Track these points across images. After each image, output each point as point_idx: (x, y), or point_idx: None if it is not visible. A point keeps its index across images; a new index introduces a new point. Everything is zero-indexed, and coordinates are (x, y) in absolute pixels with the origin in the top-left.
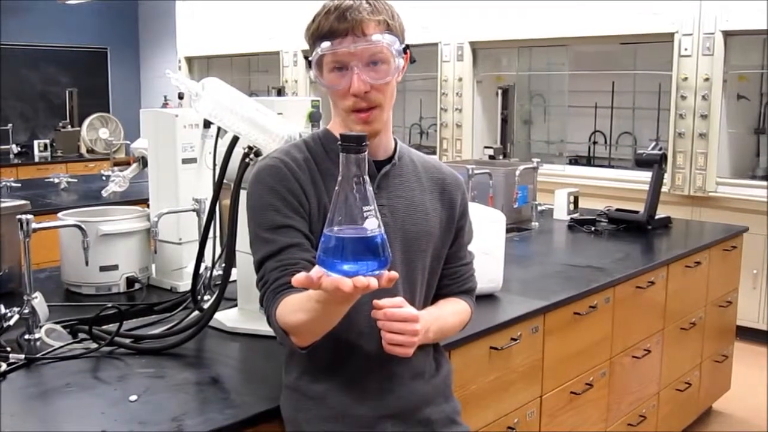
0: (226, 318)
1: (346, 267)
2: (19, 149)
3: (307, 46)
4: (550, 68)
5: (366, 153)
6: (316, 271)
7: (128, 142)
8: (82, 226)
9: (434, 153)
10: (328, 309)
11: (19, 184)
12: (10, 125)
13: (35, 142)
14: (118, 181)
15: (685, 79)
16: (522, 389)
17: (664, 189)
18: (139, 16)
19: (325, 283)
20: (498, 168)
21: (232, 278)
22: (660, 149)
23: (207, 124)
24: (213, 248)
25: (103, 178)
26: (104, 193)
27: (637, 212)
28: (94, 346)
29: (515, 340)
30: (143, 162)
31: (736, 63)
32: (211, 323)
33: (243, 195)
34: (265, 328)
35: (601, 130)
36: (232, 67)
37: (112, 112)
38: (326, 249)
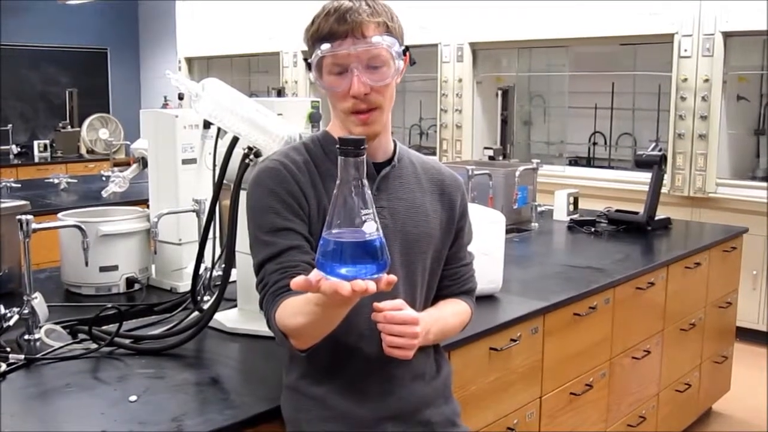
0: (225, 318)
1: (344, 270)
2: (19, 150)
3: (306, 48)
4: (550, 69)
5: (364, 157)
6: (315, 274)
7: (128, 142)
8: (82, 226)
9: (434, 154)
10: (327, 312)
11: (19, 185)
12: (10, 125)
13: (35, 143)
14: (118, 182)
15: (685, 80)
16: (522, 390)
17: (663, 190)
18: (139, 17)
19: (323, 286)
20: (498, 169)
21: (231, 279)
22: (660, 150)
23: (207, 124)
24: (213, 249)
25: (103, 178)
26: (104, 194)
27: (636, 213)
28: (94, 346)
29: (515, 340)
30: (143, 162)
31: (736, 64)
32: (211, 324)
33: (243, 195)
34: (264, 329)
35: (601, 131)
36: (232, 68)
37: (112, 113)
38: (325, 252)
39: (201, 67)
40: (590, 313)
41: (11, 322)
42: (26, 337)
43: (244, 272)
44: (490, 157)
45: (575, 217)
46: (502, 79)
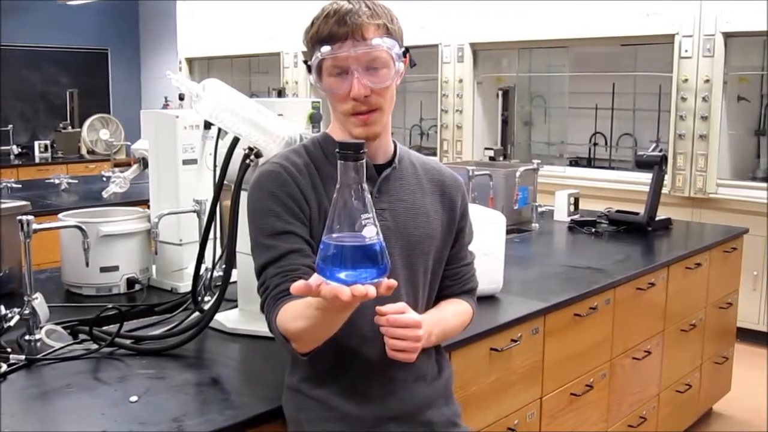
0: (226, 319)
1: (344, 275)
2: (20, 150)
3: (306, 49)
4: (551, 69)
5: (364, 160)
6: (315, 279)
7: (129, 143)
8: (83, 227)
9: (435, 154)
10: (327, 316)
11: (20, 185)
12: (10, 126)
13: (36, 143)
14: (118, 182)
15: (686, 80)
16: (522, 390)
17: (664, 190)
18: (140, 17)
19: (323, 291)
20: (498, 169)
21: (232, 279)
22: (660, 151)
23: (207, 125)
24: (213, 249)
25: (104, 179)
26: (105, 194)
27: (637, 214)
28: (95, 347)
29: (515, 341)
30: (144, 163)
31: (737, 64)
32: (212, 324)
33: (243, 196)
34: (265, 329)
35: (602, 132)
36: (233, 69)
37: (113, 113)
38: (325, 257)
39: (201, 67)
40: (591, 314)
41: (12, 323)
42: (27, 337)
43: (244, 273)
44: (491, 158)
45: (576, 217)
46: (502, 79)
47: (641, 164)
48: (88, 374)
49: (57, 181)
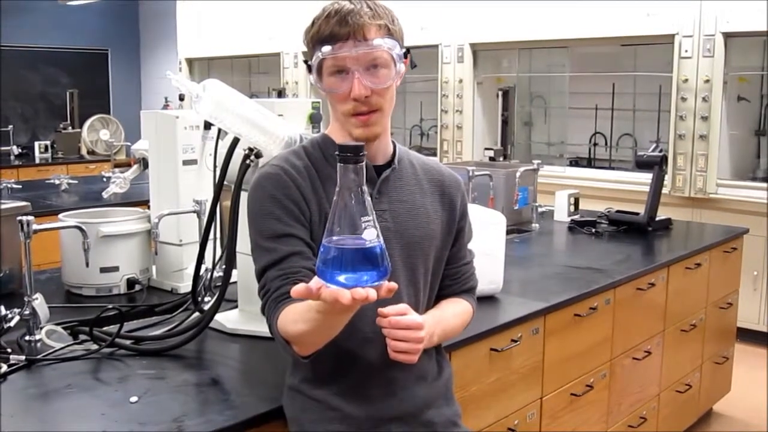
0: (226, 319)
1: (344, 278)
2: (20, 150)
3: (306, 49)
4: (551, 70)
5: (364, 163)
6: (315, 282)
7: (129, 143)
8: (83, 227)
9: (435, 154)
10: (328, 319)
11: (20, 186)
12: (10, 126)
13: (36, 144)
14: (118, 183)
15: (686, 80)
16: (522, 391)
17: (664, 191)
18: (140, 18)
19: (324, 294)
20: (498, 169)
21: (232, 280)
22: (660, 151)
23: (207, 125)
24: (213, 250)
25: (104, 179)
26: (105, 195)
27: (637, 214)
28: (95, 347)
29: (515, 341)
30: (144, 163)
31: (737, 64)
32: (212, 325)
33: (243, 196)
34: (265, 330)
35: (602, 132)
36: (233, 69)
37: (113, 114)
38: (325, 260)
39: (202, 68)
40: (591, 314)
41: (12, 323)
42: (27, 338)
43: (244, 273)
44: (491, 158)
45: (576, 217)
46: (502, 79)
47: (641, 164)
48: (88, 375)
49: (57, 182)
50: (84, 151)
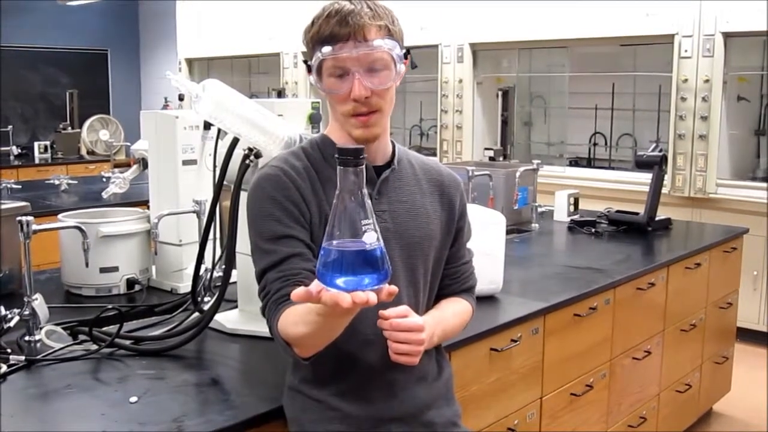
0: (226, 319)
1: (345, 281)
2: (20, 151)
3: (305, 49)
4: (551, 70)
5: (363, 166)
6: (315, 285)
7: (128, 143)
8: (83, 227)
9: (434, 154)
10: (328, 322)
11: (20, 186)
12: (10, 127)
13: (35, 144)
14: (118, 183)
15: (685, 80)
16: (522, 391)
17: (664, 190)
18: (140, 18)
19: (324, 297)
20: (498, 169)
21: (232, 280)
22: (660, 151)
23: (207, 125)
24: (213, 250)
25: (104, 179)
26: (104, 195)
27: (637, 214)
28: (95, 347)
29: (515, 341)
30: (143, 163)
31: (736, 64)
32: (212, 325)
33: (243, 196)
34: (264, 330)
35: (602, 132)
36: (233, 69)
37: (113, 114)
38: (325, 263)
39: (201, 68)
40: (591, 314)
41: (12, 324)
42: (27, 338)
43: (244, 273)
44: (491, 158)
45: (576, 217)
46: (502, 79)
47: (641, 164)
48: (88, 375)
49: (57, 182)
50: (84, 152)
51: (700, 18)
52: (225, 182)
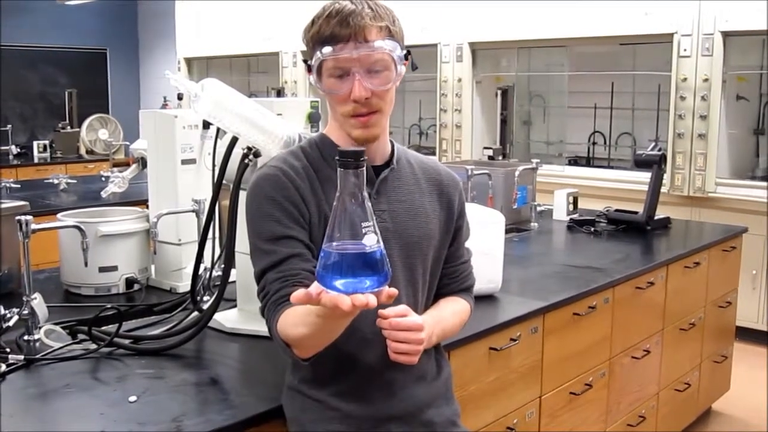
0: (225, 319)
1: (344, 283)
2: (19, 150)
3: (305, 48)
4: (550, 69)
5: (364, 168)
6: (315, 287)
7: (127, 143)
8: (82, 227)
9: (434, 154)
10: (328, 323)
11: (19, 185)
12: (9, 126)
13: (34, 143)
14: (117, 182)
15: (685, 79)
16: (521, 390)
17: (663, 189)
18: (139, 17)
19: (324, 299)
20: (497, 169)
21: (231, 279)
22: (659, 150)
23: (206, 124)
24: (212, 249)
25: (103, 179)
26: (104, 194)
27: (636, 213)
28: (94, 347)
29: (514, 340)
30: (142, 163)
31: (736, 63)
32: (211, 324)
33: (242, 196)
34: (264, 329)
35: (601, 131)
36: (232, 68)
37: (112, 113)
38: (325, 265)
39: (200, 67)
40: (590, 313)
41: (11, 323)
42: (26, 337)
43: (243, 272)
44: (490, 157)
45: (575, 216)
46: (501, 78)
47: (640, 163)
48: (87, 374)
49: (56, 181)
50: (83, 151)
51: (700, 17)
52: (224, 181)
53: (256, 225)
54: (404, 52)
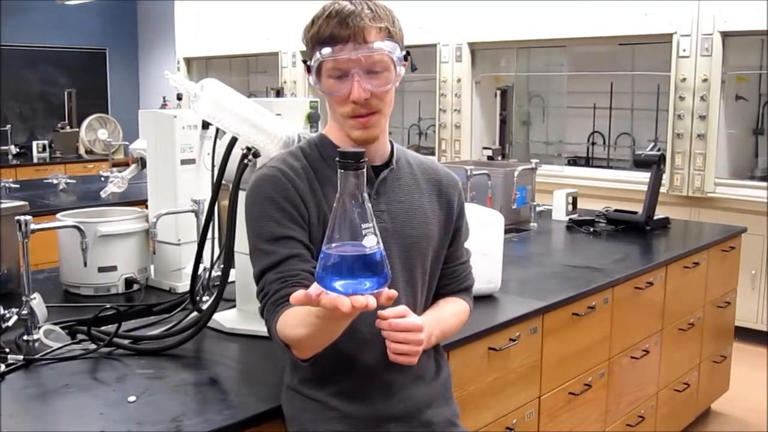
0: (224, 319)
1: (344, 284)
2: (18, 150)
3: (305, 48)
4: (549, 69)
5: (364, 169)
6: (315, 288)
7: (127, 143)
8: (81, 227)
9: (433, 154)
10: (327, 325)
11: (18, 185)
12: (8, 126)
13: (34, 143)
14: (116, 182)
15: (684, 79)
16: (521, 390)
17: (662, 190)
18: (138, 17)
19: (323, 301)
20: (497, 169)
21: (230, 279)
22: (658, 150)
23: (205, 125)
24: (212, 249)
25: (102, 178)
26: (103, 194)
27: (635, 213)
28: (93, 347)
29: (514, 340)
30: (142, 163)
31: (735, 64)
32: (210, 324)
33: (241, 196)
34: (263, 329)
35: (600, 131)
36: (231, 68)
37: (111, 113)
38: (325, 266)
39: (200, 67)
40: (589, 313)
41: (10, 323)
42: (25, 337)
43: (242, 272)
44: (489, 157)
45: (574, 216)
46: (500, 79)
47: (639, 163)
48: (86, 374)
49: (55, 181)
50: (82, 151)
51: (699, 17)
52: (223, 181)
53: (255, 225)
54: (404, 53)
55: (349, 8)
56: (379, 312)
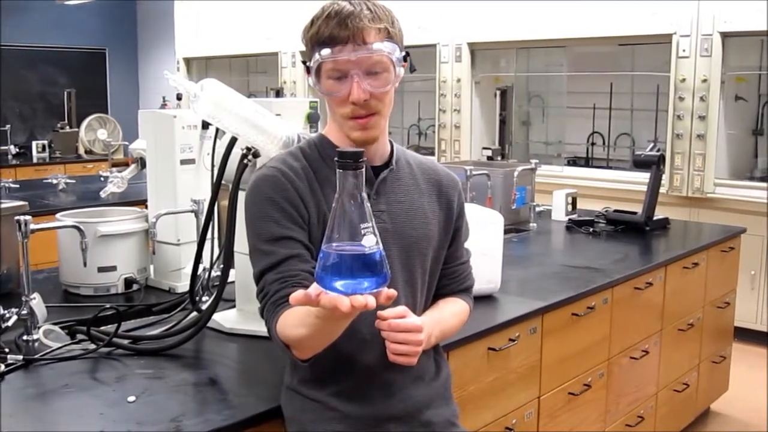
0: (224, 319)
1: (344, 284)
2: (18, 150)
3: (304, 48)
4: (549, 69)
5: (363, 169)
6: (314, 288)
7: (127, 143)
8: (81, 227)
9: (433, 154)
10: (327, 325)
11: (18, 185)
12: (8, 126)
13: (33, 143)
14: (116, 182)
15: (683, 80)
16: (520, 390)
17: (662, 190)
18: (138, 17)
19: (323, 300)
20: (496, 169)
21: (230, 279)
22: (658, 150)
23: (205, 125)
24: (211, 249)
25: (102, 179)
26: (102, 194)
27: (635, 213)
28: (93, 347)
29: (513, 340)
30: (141, 163)
31: (734, 64)
32: (210, 324)
33: (241, 196)
34: (263, 329)
35: (600, 131)
36: (231, 68)
37: (111, 113)
38: (324, 266)
39: (199, 67)
40: (588, 313)
41: (10, 323)
42: (25, 337)
43: (242, 272)
44: (489, 158)
45: (573, 217)
46: (500, 79)
47: (639, 164)
48: (86, 374)
49: (55, 181)
50: (82, 151)
51: (698, 18)
52: (223, 182)
53: (255, 226)
54: (403, 53)
55: (348, 9)
56: (379, 312)
